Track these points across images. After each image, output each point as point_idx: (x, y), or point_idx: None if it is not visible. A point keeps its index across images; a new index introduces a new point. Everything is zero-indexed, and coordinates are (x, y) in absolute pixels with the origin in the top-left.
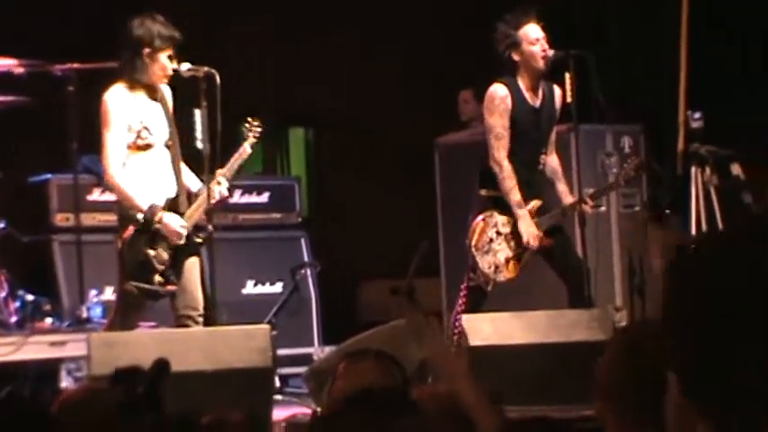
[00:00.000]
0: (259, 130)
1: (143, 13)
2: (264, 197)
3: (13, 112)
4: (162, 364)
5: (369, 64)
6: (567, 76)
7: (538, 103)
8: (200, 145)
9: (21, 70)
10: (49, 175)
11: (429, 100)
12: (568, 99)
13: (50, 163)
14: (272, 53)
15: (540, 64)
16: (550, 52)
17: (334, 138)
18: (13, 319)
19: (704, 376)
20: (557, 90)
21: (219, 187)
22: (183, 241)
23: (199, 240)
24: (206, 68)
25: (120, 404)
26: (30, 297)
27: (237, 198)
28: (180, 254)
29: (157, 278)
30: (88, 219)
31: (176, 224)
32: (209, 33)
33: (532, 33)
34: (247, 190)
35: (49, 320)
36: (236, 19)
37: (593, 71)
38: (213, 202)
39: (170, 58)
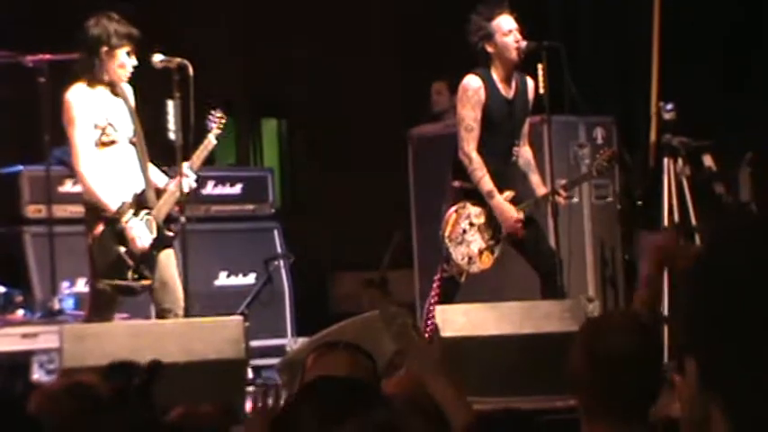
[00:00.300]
0: (223, 121)
1: (99, 11)
2: (237, 188)
3: None
4: (157, 364)
5: (341, 55)
6: (540, 67)
7: (511, 94)
8: (172, 136)
9: None
10: (20, 167)
11: (402, 91)
12: (541, 90)
13: (22, 154)
14: (245, 44)
15: (513, 55)
16: (523, 43)
17: (307, 129)
18: None
19: (732, 370)
20: (530, 81)
21: (187, 179)
22: (145, 249)
23: (171, 234)
24: (179, 59)
25: (110, 397)
26: (1, 289)
27: (210, 189)
28: (152, 248)
29: (131, 274)
30: (60, 210)
31: (138, 233)
32: (182, 24)
33: (505, 25)
34: (220, 181)
35: (20, 312)
36: (210, 10)
37: (566, 62)
38: (183, 193)
39: (129, 54)
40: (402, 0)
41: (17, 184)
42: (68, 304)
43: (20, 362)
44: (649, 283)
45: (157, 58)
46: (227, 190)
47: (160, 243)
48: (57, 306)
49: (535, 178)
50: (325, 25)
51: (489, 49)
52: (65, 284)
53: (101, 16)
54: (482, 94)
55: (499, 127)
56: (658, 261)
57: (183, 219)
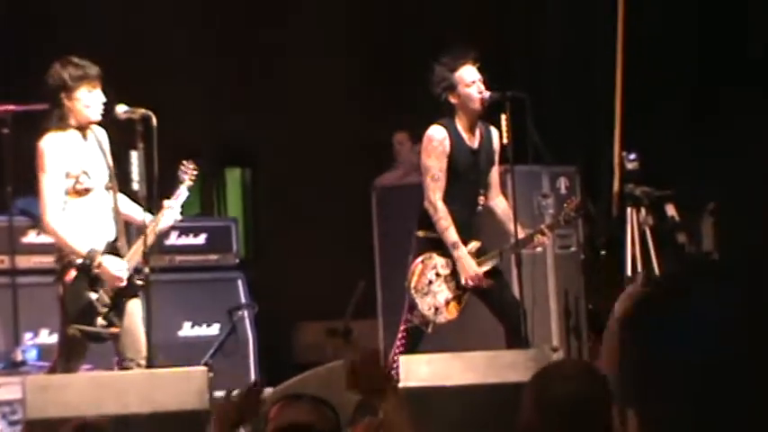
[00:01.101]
0: (195, 172)
1: (57, 60)
2: (201, 239)
3: None
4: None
5: (305, 105)
6: (504, 117)
7: (476, 144)
8: (136, 186)
9: None
10: None
11: (365, 141)
12: (504, 140)
13: None
14: (209, 95)
15: (477, 106)
16: (486, 94)
17: (270, 178)
18: None
19: (667, 423)
20: (494, 131)
21: (172, 212)
22: (123, 284)
23: (140, 282)
24: (142, 110)
25: None
26: None
27: (174, 239)
28: (121, 296)
29: (100, 321)
30: (23, 261)
31: (115, 268)
32: (146, 75)
33: (468, 76)
34: (184, 231)
35: None
36: (173, 60)
37: (530, 112)
38: (166, 227)
39: (89, 91)
40: (365, 50)
41: None
42: (31, 355)
43: None
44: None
45: (121, 109)
46: (191, 240)
47: (129, 291)
48: (19, 357)
49: (512, 227)
50: (289, 75)
51: (452, 99)
52: (28, 335)
53: (56, 64)
54: (447, 145)
55: (464, 177)
56: (628, 309)
57: (146, 269)
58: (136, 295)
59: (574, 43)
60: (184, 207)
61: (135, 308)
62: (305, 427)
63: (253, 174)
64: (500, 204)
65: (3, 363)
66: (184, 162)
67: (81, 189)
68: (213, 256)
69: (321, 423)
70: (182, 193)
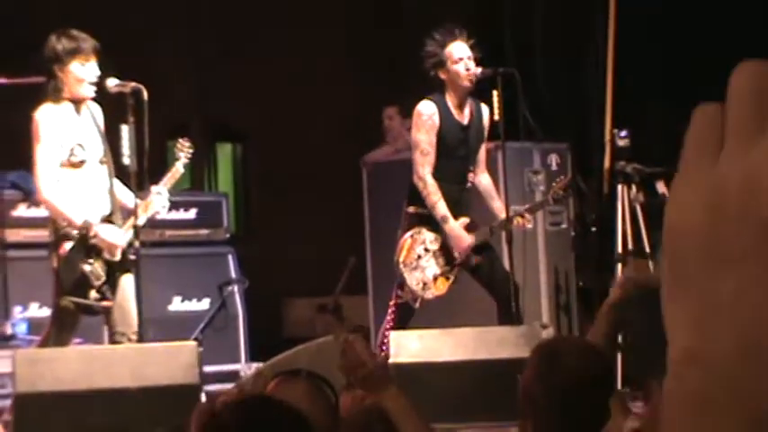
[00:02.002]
0: (191, 150)
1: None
2: (192, 213)
3: None
4: None
5: (296, 80)
6: (495, 93)
7: (465, 120)
8: (127, 161)
9: None
10: None
11: (356, 116)
12: (496, 117)
13: None
14: (200, 69)
15: (465, 83)
16: (477, 70)
17: (261, 154)
18: None
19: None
20: (485, 108)
21: (160, 198)
22: (118, 256)
23: (133, 257)
24: (133, 84)
25: None
26: None
27: (165, 214)
28: (115, 270)
29: (93, 294)
30: (13, 234)
31: (112, 236)
32: (136, 48)
33: (457, 53)
34: (175, 206)
35: None
36: (164, 34)
37: (521, 89)
38: (153, 213)
39: (82, 64)
40: (356, 25)
41: None
42: (21, 329)
43: None
44: (608, 313)
45: (112, 82)
46: (181, 215)
47: (122, 265)
48: (9, 331)
49: (497, 204)
50: (280, 50)
51: (442, 75)
52: (17, 309)
53: (52, 36)
54: (436, 120)
55: (453, 152)
56: (626, 291)
57: (137, 243)
58: (129, 270)
59: (565, 19)
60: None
61: (128, 283)
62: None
63: (243, 149)
64: (483, 181)
65: None
66: (180, 140)
67: (75, 161)
68: (204, 231)
69: (319, 400)
70: (178, 171)
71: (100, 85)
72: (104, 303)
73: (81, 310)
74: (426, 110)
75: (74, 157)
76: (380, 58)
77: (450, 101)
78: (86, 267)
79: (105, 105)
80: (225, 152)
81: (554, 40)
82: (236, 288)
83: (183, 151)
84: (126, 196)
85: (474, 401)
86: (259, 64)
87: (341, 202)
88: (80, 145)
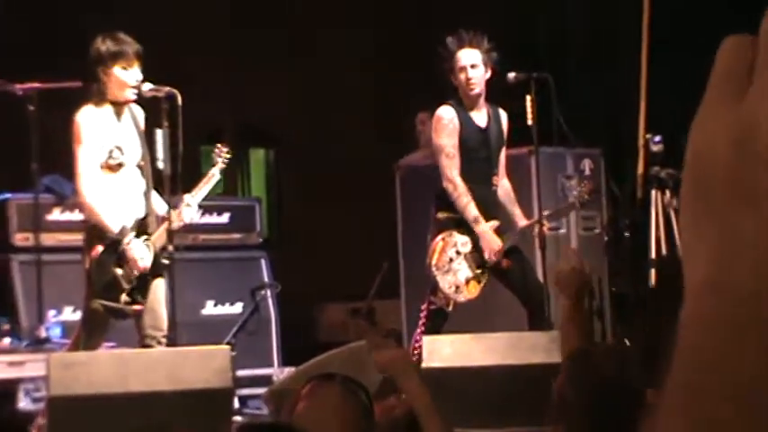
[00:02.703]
0: (228, 155)
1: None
2: (225, 218)
3: None
4: None
5: (330, 85)
6: (528, 98)
7: (483, 123)
8: (161, 165)
9: None
10: (8, 195)
11: (390, 121)
12: (529, 121)
13: (10, 183)
14: (234, 73)
15: (467, 92)
16: (510, 75)
17: (294, 158)
18: None
19: None
20: (503, 113)
21: (189, 210)
22: (145, 267)
23: (166, 262)
24: (167, 88)
25: None
26: None
27: (198, 218)
28: (146, 274)
29: (124, 297)
30: (48, 238)
31: (140, 255)
32: (172, 53)
33: (461, 60)
34: (208, 210)
35: (7, 340)
36: (199, 39)
37: (554, 94)
38: (182, 224)
39: (125, 68)
40: (391, 27)
41: (5, 213)
42: (55, 332)
43: (6, 390)
44: (574, 314)
45: (146, 86)
46: (214, 219)
47: (155, 270)
48: (43, 334)
49: (516, 210)
50: (313, 54)
51: (453, 80)
52: (52, 313)
53: (98, 38)
54: (456, 123)
55: (475, 154)
56: (576, 290)
57: (170, 248)
58: (161, 275)
59: (599, 24)
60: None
61: (159, 286)
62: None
63: (276, 154)
64: (503, 186)
65: (27, 340)
66: (218, 145)
67: (113, 164)
68: (237, 236)
69: (352, 404)
70: (214, 176)
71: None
72: (135, 307)
73: (111, 313)
74: (446, 114)
75: (112, 160)
76: (413, 62)
77: (467, 103)
78: (118, 271)
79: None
80: (258, 157)
81: (588, 43)
82: (268, 292)
83: (221, 156)
84: (157, 203)
85: (506, 406)
86: (291, 68)
87: (374, 206)
88: (119, 148)
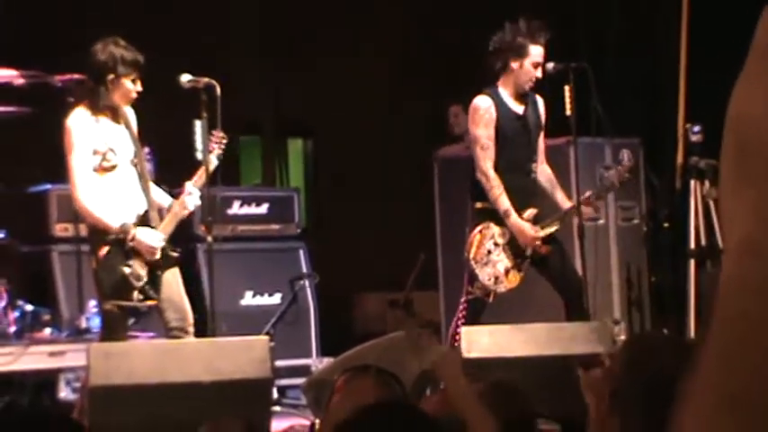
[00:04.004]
0: (224, 141)
1: (107, 38)
2: (263, 208)
3: (13, 122)
4: None
5: (368, 76)
6: (567, 88)
7: (521, 110)
8: (200, 156)
9: (21, 81)
10: (48, 186)
11: (428, 112)
12: (568, 111)
13: (50, 173)
14: (272, 65)
15: (526, 87)
16: (549, 65)
17: (332, 149)
18: (12, 329)
19: None
20: (540, 100)
21: (191, 198)
22: (158, 255)
23: (174, 254)
24: (206, 79)
25: None
26: (29, 307)
27: (237, 209)
28: (157, 268)
29: (136, 295)
30: (85, 231)
31: (150, 239)
32: (210, 44)
33: (536, 56)
34: (246, 201)
35: (48, 330)
36: (237, 31)
37: (593, 84)
38: (186, 212)
39: (134, 81)
40: (427, 21)
41: (45, 203)
42: (95, 323)
43: (47, 380)
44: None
45: (185, 78)
46: (253, 210)
47: (164, 263)
48: (84, 324)
49: (559, 195)
50: (351, 47)
51: (513, 64)
52: (92, 303)
53: (108, 42)
54: (493, 113)
55: (514, 141)
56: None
57: (209, 238)
58: (172, 266)
59: (637, 13)
60: (244, 176)
61: (172, 278)
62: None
63: (315, 145)
64: (545, 172)
65: (67, 330)
66: (213, 131)
67: (108, 166)
68: (275, 226)
69: (387, 396)
70: (212, 163)
71: (173, 80)
72: (148, 303)
73: (126, 312)
74: (483, 104)
75: (106, 162)
76: (452, 53)
77: (507, 91)
78: (126, 269)
79: (178, 100)
80: (296, 148)
81: (626, 33)
82: (307, 283)
83: (218, 143)
84: (160, 196)
85: (545, 397)
86: (330, 60)
87: (412, 197)
88: (112, 149)
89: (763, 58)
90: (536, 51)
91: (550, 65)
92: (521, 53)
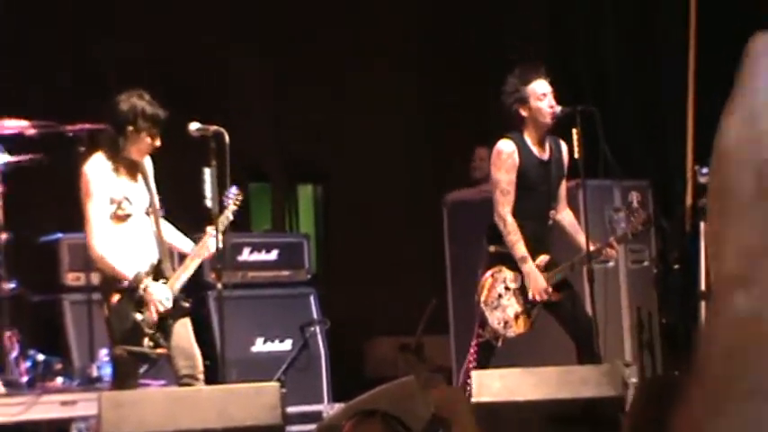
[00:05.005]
0: (240, 198)
1: (131, 89)
2: (273, 254)
3: (25, 171)
4: None
5: (377, 121)
6: (575, 131)
7: (545, 156)
8: (209, 203)
9: (32, 131)
10: (59, 235)
11: (437, 156)
12: (576, 154)
13: (61, 222)
14: (281, 110)
15: (547, 119)
16: (557, 108)
17: (342, 194)
18: (24, 378)
19: None
20: (563, 145)
21: (212, 240)
22: (169, 306)
23: (186, 304)
24: (215, 127)
25: None
26: (40, 356)
27: (246, 256)
28: (168, 317)
29: (147, 342)
30: (98, 278)
31: (160, 295)
32: (219, 92)
33: (540, 89)
34: (256, 247)
35: (59, 380)
36: (246, 78)
37: (600, 126)
38: (208, 255)
39: (152, 137)
40: (437, 65)
41: (56, 252)
42: (106, 371)
43: (59, 429)
44: None
45: (194, 126)
46: (263, 256)
47: (176, 312)
48: (95, 373)
49: (582, 239)
50: (360, 91)
51: (523, 112)
52: (103, 351)
53: (132, 93)
54: (516, 158)
55: (535, 189)
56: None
57: (219, 285)
58: (184, 315)
59: (643, 56)
60: (254, 222)
61: (182, 327)
62: None
63: (324, 190)
64: (567, 217)
65: (79, 379)
66: (229, 189)
67: (122, 215)
68: (285, 272)
69: None
70: (227, 218)
71: (182, 128)
72: (158, 351)
73: (136, 358)
74: (506, 148)
75: (120, 211)
76: (460, 97)
77: (530, 137)
78: (138, 316)
79: (187, 148)
80: (306, 193)
81: (633, 75)
82: (318, 328)
83: (232, 199)
84: (179, 240)
85: None
86: (338, 105)
87: (422, 241)
88: (127, 198)
89: (755, 87)
90: (534, 87)
91: (558, 108)
92: (523, 99)
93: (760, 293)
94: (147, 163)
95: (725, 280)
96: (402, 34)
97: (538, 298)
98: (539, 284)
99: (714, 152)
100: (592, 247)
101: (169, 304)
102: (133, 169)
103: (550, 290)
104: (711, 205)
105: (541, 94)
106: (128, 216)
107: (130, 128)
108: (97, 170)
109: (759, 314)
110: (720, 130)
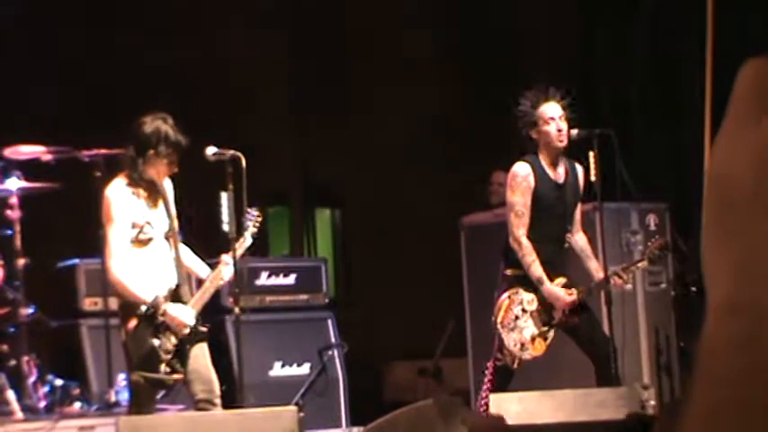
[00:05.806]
0: (260, 219)
1: (155, 112)
2: (291, 279)
3: (42, 197)
4: None
5: (394, 145)
6: (592, 154)
7: (561, 179)
8: (226, 228)
9: (49, 157)
10: (76, 260)
11: (455, 179)
12: (593, 177)
13: (78, 248)
14: (298, 135)
15: (556, 143)
16: (573, 132)
17: (360, 218)
18: (42, 403)
19: None
20: (579, 168)
21: (228, 268)
22: (188, 330)
23: (203, 330)
24: (231, 152)
25: None
26: (58, 381)
27: (264, 280)
28: (185, 342)
29: (164, 367)
30: (116, 303)
31: (182, 315)
32: (235, 115)
33: (548, 112)
34: (274, 272)
35: (77, 405)
36: (264, 101)
37: (618, 149)
38: (223, 282)
39: (171, 162)
40: (456, 89)
41: (74, 278)
42: (124, 396)
43: None
44: None
45: (210, 150)
46: (281, 280)
47: (193, 337)
48: (113, 398)
49: (593, 264)
50: (378, 115)
51: (534, 135)
52: (121, 376)
53: (157, 117)
54: (531, 180)
55: (550, 211)
56: None
57: (237, 310)
58: (201, 341)
59: (661, 79)
60: (272, 246)
61: (199, 350)
62: None
63: (342, 214)
64: (580, 241)
65: (97, 404)
66: (249, 210)
67: (144, 239)
68: (303, 296)
69: None
70: (246, 241)
71: (199, 153)
72: (175, 377)
73: (152, 384)
74: (521, 171)
75: (143, 235)
76: (477, 120)
77: (544, 160)
78: (155, 342)
79: (204, 172)
80: (323, 217)
81: (650, 98)
82: (336, 352)
83: (252, 221)
84: (196, 265)
85: None
86: (357, 129)
87: (440, 264)
88: (149, 223)
89: (744, 111)
90: (543, 110)
91: (574, 131)
92: (533, 123)
93: (750, 313)
94: (168, 186)
95: (720, 303)
96: (423, 59)
97: (563, 314)
98: (562, 299)
99: (713, 173)
100: (600, 275)
101: (192, 322)
102: (154, 193)
103: (575, 300)
104: (707, 225)
105: (549, 118)
106: (149, 240)
107: (151, 151)
108: (119, 194)
109: (749, 334)
110: (721, 152)
